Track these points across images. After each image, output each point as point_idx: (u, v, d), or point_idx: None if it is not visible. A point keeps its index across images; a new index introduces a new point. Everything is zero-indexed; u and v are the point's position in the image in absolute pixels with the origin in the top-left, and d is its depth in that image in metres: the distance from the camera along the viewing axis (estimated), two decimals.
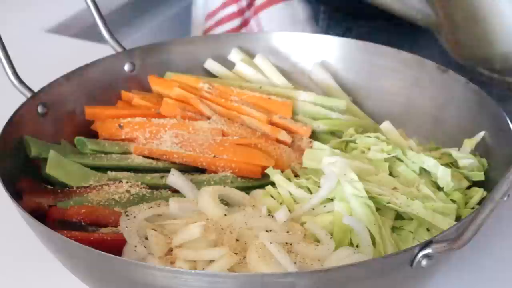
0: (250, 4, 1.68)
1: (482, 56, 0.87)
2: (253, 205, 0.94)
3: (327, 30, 1.56)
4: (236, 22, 1.68)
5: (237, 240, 0.88)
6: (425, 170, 0.97)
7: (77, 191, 0.96)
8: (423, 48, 1.40)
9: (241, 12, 1.68)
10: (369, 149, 1.00)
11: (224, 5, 1.68)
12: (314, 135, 1.09)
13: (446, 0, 0.84)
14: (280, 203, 0.95)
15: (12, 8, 1.66)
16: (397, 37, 1.40)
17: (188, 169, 1.01)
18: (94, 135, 1.06)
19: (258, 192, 0.97)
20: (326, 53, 1.16)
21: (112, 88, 1.11)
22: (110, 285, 0.86)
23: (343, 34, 1.17)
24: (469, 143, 1.01)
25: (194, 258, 0.85)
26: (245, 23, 1.68)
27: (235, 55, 1.17)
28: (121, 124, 1.04)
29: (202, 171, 1.02)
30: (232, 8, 1.68)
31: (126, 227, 0.89)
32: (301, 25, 1.62)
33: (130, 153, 1.02)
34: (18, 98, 1.02)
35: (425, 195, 0.93)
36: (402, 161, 0.98)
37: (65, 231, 0.88)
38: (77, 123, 1.08)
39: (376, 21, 1.40)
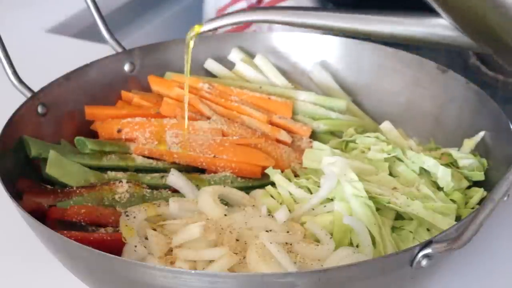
0: (259, 1, 1.67)
1: None
2: (253, 205, 0.94)
3: None
4: None
5: (237, 240, 0.88)
6: (425, 170, 0.97)
7: (77, 191, 0.96)
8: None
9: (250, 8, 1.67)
10: (369, 149, 1.00)
11: (234, 1, 1.68)
12: (314, 135, 1.09)
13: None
14: (280, 203, 0.95)
15: (12, 8, 1.66)
16: None
17: (188, 169, 1.02)
18: (94, 135, 1.06)
19: (258, 192, 0.97)
20: (326, 53, 1.16)
21: (112, 88, 1.11)
22: (110, 285, 0.86)
23: None
24: (469, 143, 1.01)
25: (194, 258, 0.85)
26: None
27: (235, 55, 1.17)
28: (120, 129, 1.03)
29: (202, 171, 1.02)
30: (242, 4, 1.67)
31: (126, 226, 0.89)
32: None
33: (130, 153, 1.02)
34: (18, 98, 1.02)
35: (425, 195, 0.93)
36: (402, 161, 0.98)
37: (65, 231, 0.88)
38: (77, 123, 1.07)
39: None
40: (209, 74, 1.17)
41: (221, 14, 0.92)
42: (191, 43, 0.93)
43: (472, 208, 0.95)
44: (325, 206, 0.92)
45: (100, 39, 1.16)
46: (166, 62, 1.15)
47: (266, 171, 0.99)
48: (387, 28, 0.89)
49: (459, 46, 0.89)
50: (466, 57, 1.36)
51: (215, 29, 0.91)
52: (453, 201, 0.94)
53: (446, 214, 0.91)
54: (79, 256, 0.83)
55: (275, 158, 1.02)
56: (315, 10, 0.91)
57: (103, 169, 1.00)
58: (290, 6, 0.94)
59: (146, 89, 1.13)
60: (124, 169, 1.00)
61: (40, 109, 1.03)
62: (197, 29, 0.91)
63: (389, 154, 0.98)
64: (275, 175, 0.97)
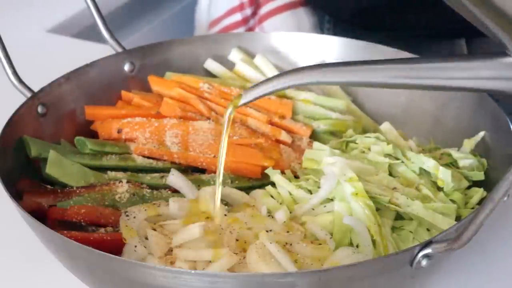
0: (254, 13, 1.67)
1: None
2: (253, 205, 0.94)
3: None
4: (240, 31, 1.67)
5: (237, 240, 0.88)
6: (425, 170, 0.97)
7: (77, 191, 0.96)
8: None
9: (245, 20, 1.67)
10: (369, 149, 1.00)
11: (228, 14, 1.68)
12: (314, 135, 1.09)
13: None
14: (280, 203, 0.95)
15: (12, 8, 1.66)
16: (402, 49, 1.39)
17: (188, 169, 1.01)
18: (94, 135, 1.06)
19: (258, 192, 0.97)
20: (326, 53, 1.16)
21: (112, 88, 1.11)
22: (110, 285, 0.86)
23: None
24: (469, 143, 1.01)
25: (194, 258, 0.85)
26: (249, 31, 1.68)
27: (235, 55, 1.17)
28: (120, 129, 1.03)
29: (202, 171, 1.02)
30: (237, 17, 1.67)
31: (126, 227, 0.89)
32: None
33: (130, 153, 1.02)
34: (18, 98, 1.02)
35: (425, 195, 0.93)
36: (402, 162, 0.98)
37: (65, 231, 0.88)
38: (77, 123, 1.08)
39: (381, 33, 1.38)
40: (209, 74, 1.17)
41: (257, 83, 0.85)
42: (230, 118, 0.88)
43: (472, 208, 0.95)
44: (325, 206, 0.92)
45: (100, 39, 1.16)
46: (166, 62, 1.15)
47: (266, 171, 0.99)
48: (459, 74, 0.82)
49: None
50: None
51: (255, 99, 0.85)
52: (453, 201, 0.94)
53: (446, 214, 0.91)
54: (79, 256, 0.83)
55: (275, 158, 1.02)
56: (369, 64, 0.84)
57: (103, 169, 1.00)
58: (334, 63, 0.86)
59: (146, 89, 1.13)
60: (124, 169, 1.00)
61: (40, 109, 1.03)
62: (236, 102, 0.86)
63: (389, 160, 0.98)
64: (275, 175, 0.97)
